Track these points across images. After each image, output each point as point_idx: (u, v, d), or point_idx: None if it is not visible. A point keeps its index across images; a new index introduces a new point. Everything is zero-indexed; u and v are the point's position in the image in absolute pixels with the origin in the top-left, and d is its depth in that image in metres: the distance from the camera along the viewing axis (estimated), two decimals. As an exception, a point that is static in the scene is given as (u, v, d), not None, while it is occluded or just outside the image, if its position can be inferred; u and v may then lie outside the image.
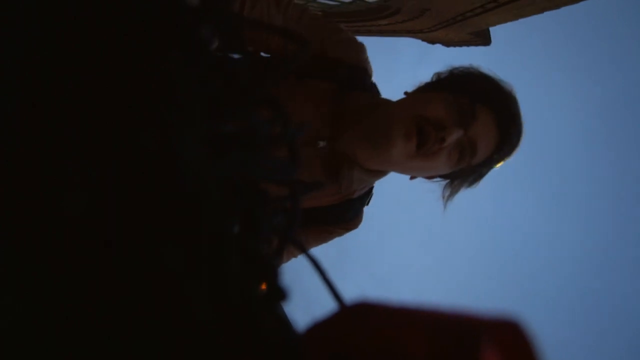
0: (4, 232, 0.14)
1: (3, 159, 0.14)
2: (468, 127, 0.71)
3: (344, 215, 0.87)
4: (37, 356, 0.14)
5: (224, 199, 0.18)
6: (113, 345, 0.14)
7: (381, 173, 0.84)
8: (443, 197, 0.85)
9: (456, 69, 0.81)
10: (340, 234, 0.91)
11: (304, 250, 0.24)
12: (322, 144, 0.77)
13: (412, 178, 0.84)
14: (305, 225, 0.87)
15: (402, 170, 0.81)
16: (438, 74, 0.82)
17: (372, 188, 0.91)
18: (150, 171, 0.16)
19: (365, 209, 0.93)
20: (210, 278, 0.17)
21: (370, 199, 0.92)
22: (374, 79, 0.87)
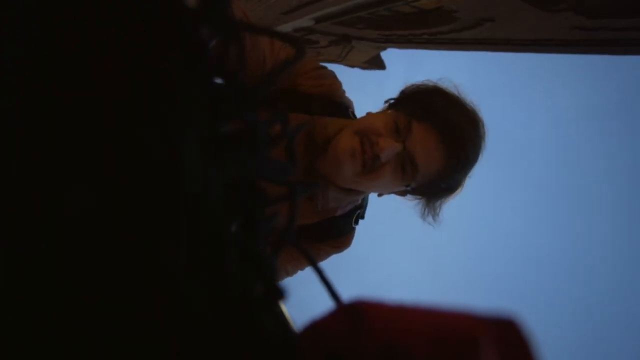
0: (4, 231, 0.14)
1: (3, 159, 0.14)
2: (405, 140, 0.75)
3: (329, 233, 0.90)
4: (36, 356, 0.14)
5: (224, 198, 0.18)
6: (112, 345, 0.14)
7: (356, 192, 0.87)
8: (423, 219, 0.89)
9: (412, 86, 0.86)
10: (329, 253, 0.93)
11: (302, 250, 0.24)
12: (299, 165, 0.81)
13: (379, 195, 0.89)
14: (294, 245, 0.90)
15: (359, 188, 0.84)
16: (402, 91, 0.87)
17: (357, 207, 0.93)
18: (150, 171, 0.16)
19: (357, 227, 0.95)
20: (209, 277, 0.17)
21: (357, 218, 0.94)
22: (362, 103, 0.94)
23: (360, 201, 0.93)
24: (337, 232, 0.91)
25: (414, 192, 0.86)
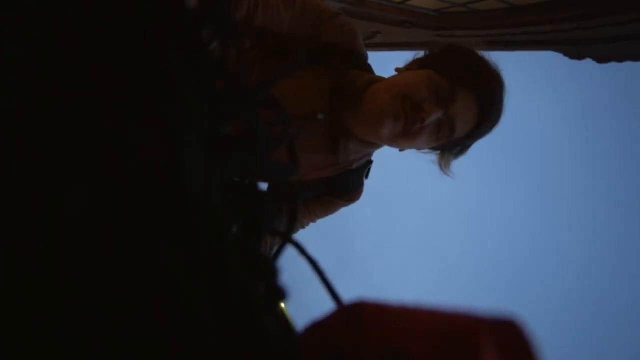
0: (4, 231, 0.14)
1: (3, 159, 0.14)
2: (447, 108, 0.76)
3: (345, 185, 0.93)
4: (37, 356, 0.14)
5: (225, 199, 0.18)
6: (112, 345, 0.14)
7: (376, 145, 0.89)
8: (440, 168, 0.92)
9: (447, 47, 0.86)
10: (343, 205, 0.97)
11: (302, 251, 0.24)
12: (321, 116, 0.82)
13: (401, 150, 0.90)
14: (309, 198, 0.93)
15: (391, 145, 0.87)
16: (431, 49, 0.88)
17: (370, 161, 0.96)
18: (151, 172, 0.16)
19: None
20: (210, 278, 0.17)
21: (369, 172, 0.97)
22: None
23: (372, 155, 0.95)
24: (351, 186, 0.94)
25: (436, 147, 0.88)
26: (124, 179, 0.15)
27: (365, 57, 0.90)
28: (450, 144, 0.86)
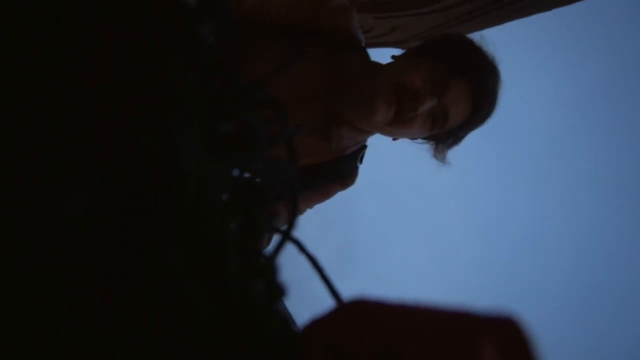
0: (6, 234, 0.14)
1: (4, 161, 0.14)
2: (441, 97, 0.76)
3: (339, 171, 0.92)
4: (38, 356, 0.14)
5: (224, 198, 0.18)
6: (115, 345, 0.15)
7: (369, 132, 0.88)
8: (436, 159, 0.90)
9: (444, 37, 0.85)
10: (338, 189, 0.96)
11: (302, 249, 0.24)
12: (316, 102, 0.80)
13: (394, 139, 0.89)
14: (303, 183, 0.92)
15: (383, 134, 0.86)
16: (428, 39, 0.86)
17: (364, 146, 0.95)
18: (151, 171, 0.16)
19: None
20: (210, 277, 0.17)
21: (363, 157, 0.95)
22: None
23: (366, 141, 0.93)
24: (345, 170, 0.93)
25: (429, 137, 0.88)
26: (125, 180, 0.15)
27: (361, 40, 0.87)
28: (444, 135, 0.85)
